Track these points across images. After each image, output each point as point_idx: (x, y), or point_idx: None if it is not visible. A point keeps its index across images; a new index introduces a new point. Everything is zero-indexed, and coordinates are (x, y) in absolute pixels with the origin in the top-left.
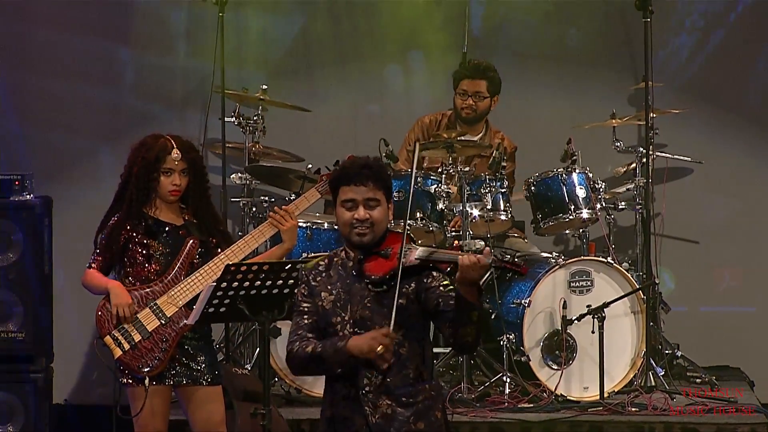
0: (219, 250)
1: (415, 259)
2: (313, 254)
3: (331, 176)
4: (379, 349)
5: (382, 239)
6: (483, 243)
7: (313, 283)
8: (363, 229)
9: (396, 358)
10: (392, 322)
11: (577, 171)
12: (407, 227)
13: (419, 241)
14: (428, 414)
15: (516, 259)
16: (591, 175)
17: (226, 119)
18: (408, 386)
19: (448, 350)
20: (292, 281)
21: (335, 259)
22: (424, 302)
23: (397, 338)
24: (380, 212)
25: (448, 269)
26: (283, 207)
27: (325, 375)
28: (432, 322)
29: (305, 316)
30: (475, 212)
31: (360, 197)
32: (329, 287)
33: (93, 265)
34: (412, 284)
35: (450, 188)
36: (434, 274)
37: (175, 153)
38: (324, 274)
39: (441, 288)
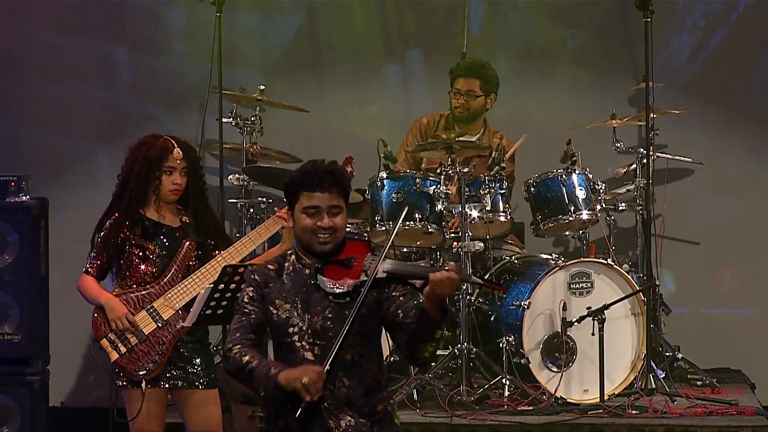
0: (216, 253)
1: (384, 272)
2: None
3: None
4: (304, 379)
5: (341, 247)
6: (483, 245)
7: (265, 290)
8: (326, 237)
9: (356, 368)
10: (343, 334)
11: (577, 172)
12: (365, 234)
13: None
14: (391, 423)
15: (494, 279)
16: (591, 176)
17: (223, 120)
18: (368, 396)
19: (447, 352)
20: None
21: (286, 264)
22: (383, 311)
23: (325, 377)
24: (342, 219)
25: (418, 285)
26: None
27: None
28: (387, 332)
29: (252, 317)
30: (474, 213)
31: (324, 204)
32: (284, 295)
33: (90, 270)
34: (374, 293)
35: (449, 189)
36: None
37: (177, 152)
38: (276, 281)
39: (401, 298)
